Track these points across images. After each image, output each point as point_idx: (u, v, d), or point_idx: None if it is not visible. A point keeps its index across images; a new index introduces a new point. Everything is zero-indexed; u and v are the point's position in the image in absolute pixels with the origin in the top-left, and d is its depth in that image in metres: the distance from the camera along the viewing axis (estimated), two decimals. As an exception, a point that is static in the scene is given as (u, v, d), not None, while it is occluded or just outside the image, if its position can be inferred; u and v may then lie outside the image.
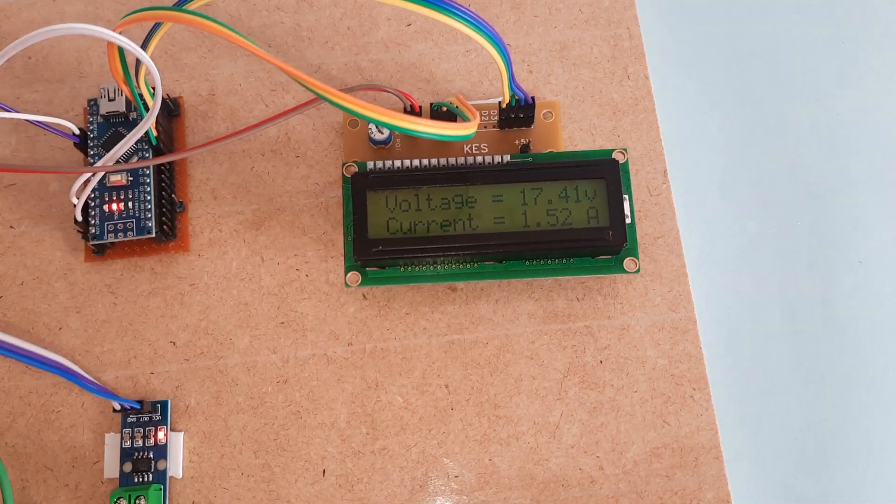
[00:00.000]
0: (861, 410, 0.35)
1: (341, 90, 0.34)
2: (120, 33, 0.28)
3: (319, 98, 0.27)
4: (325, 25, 0.39)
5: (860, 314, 0.36)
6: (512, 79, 0.32)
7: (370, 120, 0.27)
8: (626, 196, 0.34)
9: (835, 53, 0.40)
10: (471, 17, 0.27)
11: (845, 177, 0.38)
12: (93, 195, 0.34)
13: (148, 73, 0.32)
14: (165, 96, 0.37)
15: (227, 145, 0.37)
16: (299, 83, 0.27)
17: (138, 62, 0.32)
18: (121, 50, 0.30)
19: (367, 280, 0.34)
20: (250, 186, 0.37)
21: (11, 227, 0.36)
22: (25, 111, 0.38)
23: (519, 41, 0.39)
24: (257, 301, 0.35)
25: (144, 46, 0.30)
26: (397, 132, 0.36)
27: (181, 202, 0.36)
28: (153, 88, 0.34)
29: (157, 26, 0.29)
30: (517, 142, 0.37)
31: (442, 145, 0.36)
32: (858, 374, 0.36)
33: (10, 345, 0.26)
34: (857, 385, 0.36)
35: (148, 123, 0.32)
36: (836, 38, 0.40)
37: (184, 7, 0.27)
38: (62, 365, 0.29)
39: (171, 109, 0.37)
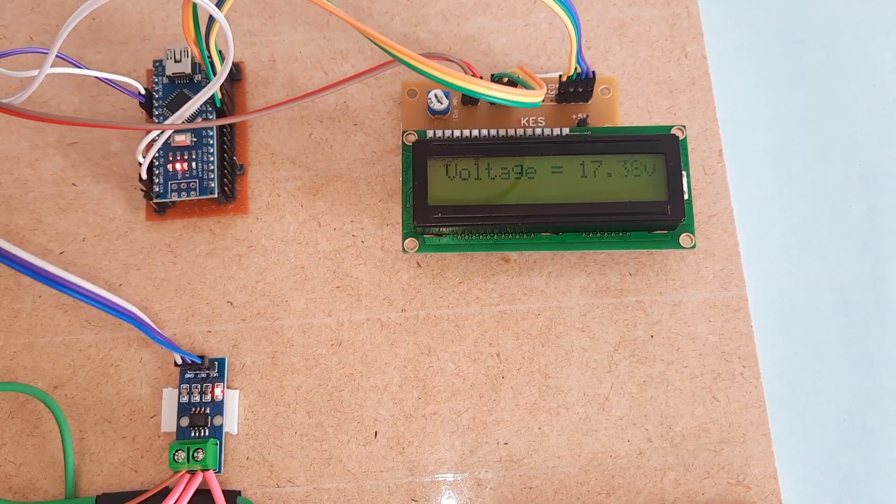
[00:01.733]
0: (909, 395, 0.35)
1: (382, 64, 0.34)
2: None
3: (396, 60, 0.27)
4: (384, -6, 0.39)
5: (911, 299, 0.36)
6: (580, 49, 0.32)
7: (444, 82, 0.27)
8: (684, 172, 0.34)
9: (894, 38, 0.40)
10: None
11: (902, 161, 0.38)
12: (157, 154, 0.35)
13: (218, 35, 0.32)
14: (228, 60, 0.37)
15: (286, 111, 0.38)
16: (377, 45, 0.27)
17: (209, 24, 0.32)
18: (195, 8, 0.31)
19: (424, 247, 0.34)
20: (308, 152, 0.37)
21: (74, 184, 0.37)
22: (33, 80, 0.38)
23: (584, 16, 0.39)
24: (313, 265, 0.36)
25: (220, 5, 0.30)
26: (455, 104, 0.37)
27: (241, 165, 0.36)
28: (221, 51, 0.34)
29: (232, -14, 0.30)
30: (574, 116, 0.37)
31: (499, 117, 0.37)
32: (907, 358, 0.36)
33: (84, 289, 0.27)
34: (905, 370, 0.36)
35: (217, 85, 0.32)
36: (893, 19, 0.40)
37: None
38: (133, 313, 0.30)
39: (234, 74, 0.37)
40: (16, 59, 0.38)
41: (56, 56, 0.28)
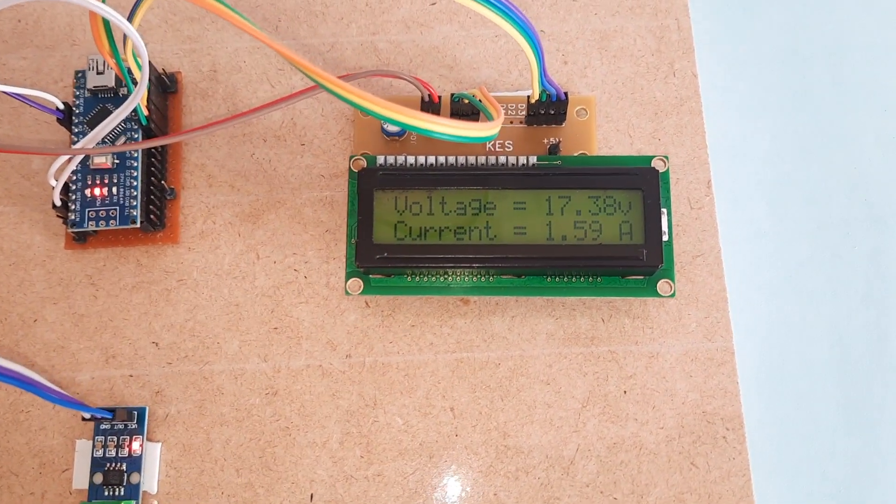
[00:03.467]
0: (913, 462, 0.32)
1: (350, 76, 0.30)
2: (104, 1, 0.25)
3: (319, 86, 0.23)
4: (342, 2, 0.35)
5: (919, 354, 0.33)
6: (543, 73, 0.28)
7: (376, 115, 0.23)
8: (664, 210, 0.30)
9: (907, 58, 0.36)
10: (500, 3, 0.24)
11: (912, 199, 0.34)
12: (74, 178, 0.31)
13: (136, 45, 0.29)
14: (161, 71, 0.33)
15: (226, 128, 0.34)
16: (299, 70, 0.24)
17: (125, 34, 0.28)
18: (106, 20, 0.27)
19: (369, 288, 0.31)
20: (249, 175, 0.33)
21: (-11, 205, 0.33)
22: (11, 80, 0.35)
23: (554, 27, 0.35)
24: (250, 302, 0.32)
25: (130, 18, 0.26)
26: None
27: (172, 189, 0.33)
28: (142, 62, 0.30)
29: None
30: (546, 141, 0.33)
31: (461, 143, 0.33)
32: (913, 421, 0.32)
33: None
34: (909, 433, 0.32)
35: (135, 101, 0.28)
36: (910, 41, 0.36)
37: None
38: (18, 374, 0.26)
39: (168, 86, 0.33)
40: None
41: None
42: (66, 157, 0.30)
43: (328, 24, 0.35)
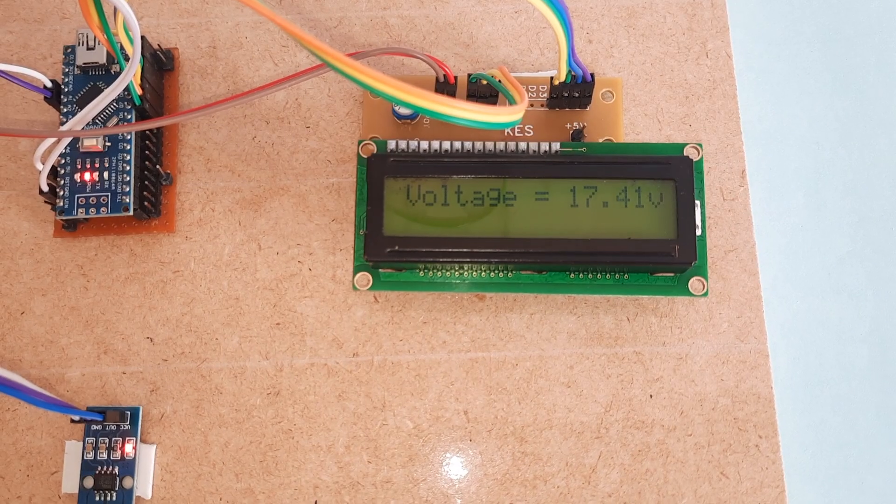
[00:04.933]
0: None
1: (359, 53, 0.28)
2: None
3: (326, 64, 0.21)
4: (353, -29, 0.33)
5: (965, 357, 0.30)
6: (571, 51, 0.26)
7: (387, 97, 0.21)
8: (697, 202, 0.28)
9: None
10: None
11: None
12: (63, 161, 0.29)
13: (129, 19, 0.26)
14: (157, 47, 0.31)
15: (226, 109, 0.32)
16: (304, 47, 0.21)
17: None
18: (93, -11, 0.25)
19: (379, 283, 0.29)
20: (251, 159, 0.31)
21: (-27, 190, 0.31)
22: (-3, 54, 0.32)
23: (578, 4, 0.33)
24: (250, 296, 0.30)
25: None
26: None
27: (168, 174, 0.31)
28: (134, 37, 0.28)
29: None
30: (569, 126, 0.31)
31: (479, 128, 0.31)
32: (957, 428, 0.30)
33: None
34: (953, 441, 0.30)
35: (127, 79, 0.26)
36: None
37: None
38: (1, 378, 0.24)
39: (164, 63, 0.31)
40: None
41: None
42: (53, 139, 0.28)
43: (336, -2, 0.33)
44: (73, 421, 0.28)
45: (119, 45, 0.27)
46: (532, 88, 0.31)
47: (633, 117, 0.32)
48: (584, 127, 0.31)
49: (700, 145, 0.29)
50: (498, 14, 0.33)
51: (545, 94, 0.31)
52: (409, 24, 0.33)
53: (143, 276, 0.30)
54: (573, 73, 0.28)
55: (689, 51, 0.32)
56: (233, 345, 0.30)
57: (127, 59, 0.28)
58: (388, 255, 0.27)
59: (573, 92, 0.30)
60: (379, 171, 0.28)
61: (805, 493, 0.29)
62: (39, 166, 0.28)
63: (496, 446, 0.29)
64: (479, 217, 0.27)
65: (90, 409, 0.28)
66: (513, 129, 0.31)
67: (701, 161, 0.29)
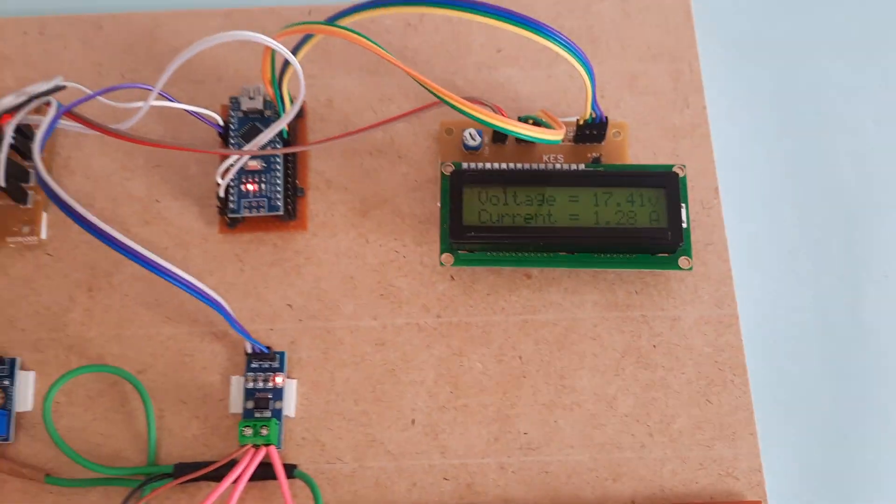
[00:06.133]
0: (881, 405, 0.40)
1: (452, 98, 0.40)
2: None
3: (442, 101, 0.33)
4: (427, 48, 0.46)
5: (884, 321, 0.41)
6: (594, 96, 0.38)
7: (481, 121, 0.33)
8: (683, 204, 0.39)
9: (870, 96, 0.45)
10: (563, 39, 0.34)
11: (875, 201, 0.43)
12: (232, 177, 0.41)
13: (291, 78, 0.38)
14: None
15: (340, 144, 0.44)
16: (426, 88, 0.33)
17: (283, 68, 0.38)
18: (273, 54, 0.37)
19: (458, 261, 0.40)
20: (359, 180, 0.43)
21: (157, 200, 0.43)
22: (139, 110, 0.44)
23: (598, 69, 0.45)
24: (362, 275, 0.41)
25: (295, 53, 0.36)
26: (486, 141, 0.42)
27: (301, 188, 0.42)
28: (291, 94, 0.40)
29: (307, 37, 0.36)
30: (589, 155, 0.42)
31: (523, 154, 0.43)
32: (881, 373, 0.41)
33: (183, 278, 0.32)
34: (878, 383, 0.41)
35: (288, 119, 0.38)
36: (873, 83, 0.46)
37: (335, 23, 0.34)
38: (218, 301, 0.35)
39: (297, 111, 0.43)
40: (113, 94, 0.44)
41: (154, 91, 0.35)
42: (230, 161, 0.39)
43: (417, 66, 0.45)
44: (246, 353, 0.39)
45: (280, 97, 0.39)
46: (562, 129, 0.43)
47: (635, 150, 0.43)
48: (600, 156, 0.42)
49: (684, 166, 0.41)
50: (535, 78, 0.45)
51: (571, 133, 0.43)
52: (470, 84, 0.45)
53: (283, 261, 0.42)
54: (594, 113, 0.40)
55: (675, 103, 0.44)
56: (349, 310, 0.41)
57: (284, 107, 0.40)
58: (467, 237, 0.39)
59: (592, 130, 0.42)
60: (459, 182, 0.39)
61: (768, 413, 0.40)
62: (220, 180, 0.40)
63: (543, 381, 0.40)
64: (530, 213, 0.39)
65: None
66: (549, 157, 0.42)
67: (685, 178, 0.40)
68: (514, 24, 0.32)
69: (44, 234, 0.42)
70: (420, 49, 0.46)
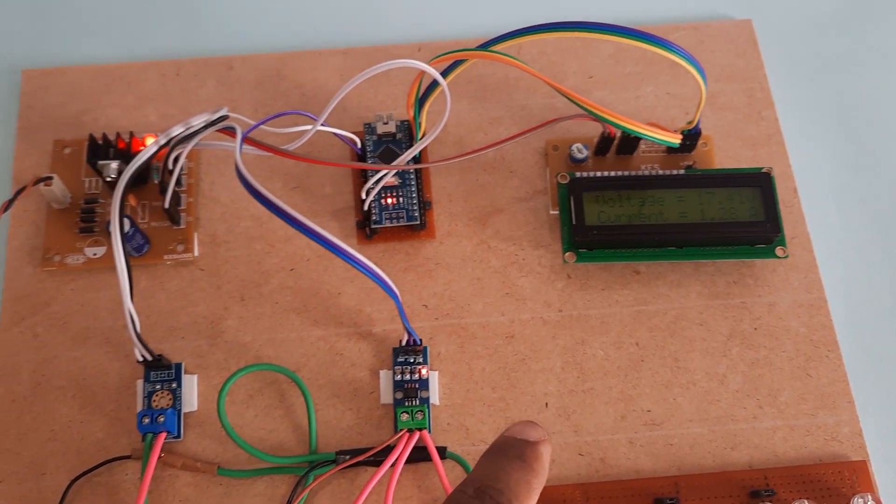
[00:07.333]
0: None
1: (569, 117, 0.45)
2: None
3: (587, 112, 0.39)
4: (527, 75, 0.51)
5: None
6: (703, 103, 0.43)
7: (624, 129, 0.39)
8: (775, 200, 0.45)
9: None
10: (686, 53, 0.39)
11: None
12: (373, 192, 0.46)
13: (432, 102, 0.44)
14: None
15: (459, 162, 0.49)
16: (574, 102, 0.39)
17: (426, 93, 0.43)
18: (420, 82, 0.42)
19: (580, 258, 0.45)
20: (477, 192, 0.48)
21: (296, 218, 0.47)
22: (305, 133, 0.49)
23: (679, 90, 0.50)
24: (487, 277, 0.46)
25: (445, 75, 0.42)
26: (590, 154, 0.48)
27: (429, 201, 0.47)
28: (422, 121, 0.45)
29: (457, 63, 0.41)
30: (682, 164, 0.48)
31: (623, 164, 0.48)
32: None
33: (362, 262, 0.36)
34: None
35: (432, 137, 0.43)
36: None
37: (489, 48, 0.39)
38: (394, 291, 0.39)
39: (439, 130, 0.48)
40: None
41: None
42: (373, 181, 0.44)
43: (520, 92, 0.51)
44: (400, 344, 0.43)
45: (419, 122, 0.44)
46: (654, 144, 0.48)
47: (720, 159, 0.48)
48: (693, 162, 0.48)
49: (772, 168, 0.46)
50: (624, 98, 0.50)
51: (663, 148, 0.48)
52: (568, 106, 0.50)
53: (416, 266, 0.46)
54: (696, 121, 0.45)
55: (751, 118, 0.50)
56: (479, 308, 0.45)
57: (420, 128, 0.45)
58: (591, 236, 0.43)
59: (686, 140, 0.47)
60: (579, 188, 0.44)
61: (862, 383, 0.44)
62: (364, 196, 0.45)
63: (659, 364, 0.44)
64: (643, 212, 0.44)
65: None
66: (647, 166, 0.48)
67: (773, 177, 0.46)
68: (647, 43, 0.37)
69: (196, 252, 0.46)
70: (521, 77, 0.51)
